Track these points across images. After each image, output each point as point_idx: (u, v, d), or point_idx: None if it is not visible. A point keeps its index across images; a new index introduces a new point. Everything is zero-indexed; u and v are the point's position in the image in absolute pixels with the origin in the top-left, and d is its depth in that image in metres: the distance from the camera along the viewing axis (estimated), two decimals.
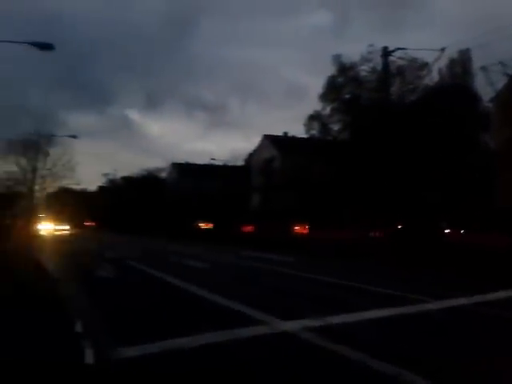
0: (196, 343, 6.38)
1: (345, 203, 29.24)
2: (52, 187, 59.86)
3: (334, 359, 5.76)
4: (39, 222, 62.78)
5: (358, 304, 9.61)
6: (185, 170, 72.40)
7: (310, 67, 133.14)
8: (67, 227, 74.93)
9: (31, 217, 54.85)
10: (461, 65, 36.24)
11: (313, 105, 42.59)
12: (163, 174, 79.35)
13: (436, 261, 17.76)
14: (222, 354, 6.08)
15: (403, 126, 25.70)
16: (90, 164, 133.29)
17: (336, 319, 7.96)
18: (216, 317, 8.39)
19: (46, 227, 66.48)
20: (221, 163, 62.10)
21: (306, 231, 32.03)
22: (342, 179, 30.49)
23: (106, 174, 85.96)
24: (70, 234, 59.76)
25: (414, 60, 28.95)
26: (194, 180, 60.70)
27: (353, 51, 39.48)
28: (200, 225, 53.87)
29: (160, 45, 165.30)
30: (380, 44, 27.20)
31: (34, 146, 53.99)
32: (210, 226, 51.10)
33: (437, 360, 5.76)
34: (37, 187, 55.45)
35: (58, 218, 74.37)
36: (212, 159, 60.04)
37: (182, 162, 77.47)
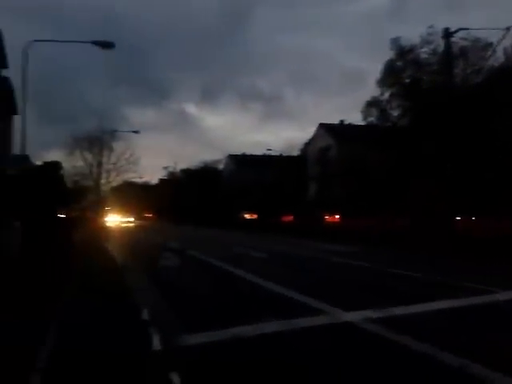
0: (258, 332, 6.45)
1: (405, 192, 28.36)
2: (116, 181, 62.46)
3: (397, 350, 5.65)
4: (106, 215, 65.77)
5: (422, 295, 9.36)
6: (241, 162, 73.12)
7: (368, 52, 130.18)
8: (132, 219, 77.83)
9: (98, 210, 57.58)
10: None
11: (370, 91, 41.57)
12: (220, 166, 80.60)
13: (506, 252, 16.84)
14: (283, 343, 6.11)
15: (468, 109, 24.48)
16: (151, 158, 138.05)
17: (401, 310, 7.79)
18: (276, 306, 8.44)
19: (113, 219, 69.59)
20: (277, 154, 62.15)
21: (362, 221, 31.46)
22: (402, 167, 29.56)
23: (166, 167, 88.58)
24: (134, 226, 62.14)
25: (477, 40, 27.50)
26: (250, 171, 61.20)
27: (412, 33, 37.92)
28: (251, 215, 54.39)
29: (216, 38, 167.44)
30: (440, 25, 26.05)
31: (99, 141, 56.52)
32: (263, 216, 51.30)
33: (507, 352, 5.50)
34: (102, 181, 58.06)
35: (123, 210, 77.53)
36: (268, 150, 60.16)
37: (239, 153, 78.29)
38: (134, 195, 78.26)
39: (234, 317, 7.46)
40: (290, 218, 44.82)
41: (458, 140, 23.17)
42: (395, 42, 31.02)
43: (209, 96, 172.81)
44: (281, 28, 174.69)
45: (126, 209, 78.08)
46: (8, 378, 4.56)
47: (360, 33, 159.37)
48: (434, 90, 28.71)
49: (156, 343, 5.87)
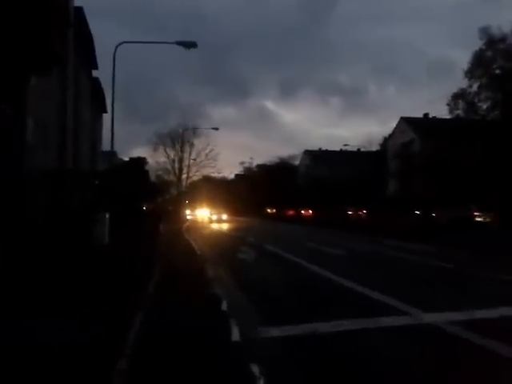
0: (336, 329, 6.39)
1: (495, 187, 26.61)
2: (196, 176, 64.55)
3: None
4: (186, 208, 68.22)
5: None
6: (317, 157, 72.59)
7: (455, 41, 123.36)
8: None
9: (180, 203, 59.93)
10: None
11: (457, 83, 39.35)
12: (296, 162, 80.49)
13: None
14: (361, 341, 6.00)
15: None
16: (229, 154, 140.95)
17: (482, 313, 7.36)
18: (355, 304, 8.30)
19: (195, 213, 72.15)
20: (354, 149, 60.92)
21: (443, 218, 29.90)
22: (492, 162, 27.77)
23: (242, 163, 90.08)
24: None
25: None
26: (327, 167, 60.57)
27: (503, 21, 35.22)
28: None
29: (296, 32, 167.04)
30: None
31: (180, 138, 58.73)
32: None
33: None
34: (183, 176, 60.33)
35: (202, 204, 79.93)
36: (345, 145, 59.18)
37: (315, 149, 77.72)
38: (212, 190, 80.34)
39: (313, 312, 7.45)
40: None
41: None
42: (484, 30, 29.34)
43: (287, 92, 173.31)
44: (363, 19, 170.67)
45: (213, 204, 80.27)
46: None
47: (447, 21, 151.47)
48: None
49: (235, 335, 6.00)
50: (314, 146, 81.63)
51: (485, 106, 30.97)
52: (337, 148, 68.90)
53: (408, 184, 42.82)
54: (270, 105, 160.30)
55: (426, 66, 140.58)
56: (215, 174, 69.54)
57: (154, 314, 7.09)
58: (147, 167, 40.94)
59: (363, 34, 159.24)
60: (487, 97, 30.97)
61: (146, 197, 34.52)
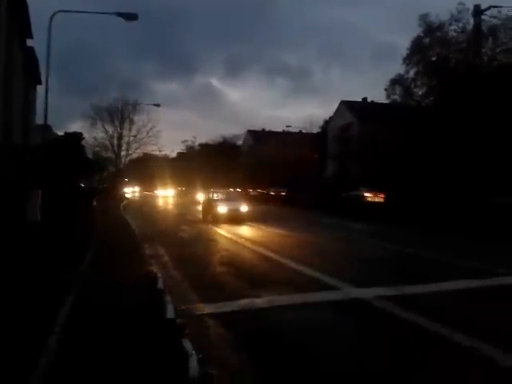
0: (270, 304, 6.52)
1: (427, 173, 27.89)
2: (136, 153, 62.83)
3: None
4: (125, 186, 66.50)
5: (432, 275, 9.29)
6: (260, 137, 72.78)
7: (400, 27, 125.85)
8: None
9: (118, 181, 58.26)
10: None
11: (397, 68, 40.55)
12: (239, 141, 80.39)
13: None
14: (292, 315, 6.16)
15: (495, 90, 23.77)
16: (172, 131, 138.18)
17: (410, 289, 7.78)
18: (290, 281, 8.47)
19: (131, 191, 70.52)
20: (297, 130, 61.64)
21: (379, 200, 31.11)
22: (425, 147, 29.00)
23: (184, 141, 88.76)
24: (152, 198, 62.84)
25: (508, 19, 26.53)
26: (269, 147, 60.86)
27: (446, 7, 36.65)
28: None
29: (243, 11, 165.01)
30: (472, 1, 25.19)
31: (120, 113, 56.75)
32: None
33: None
34: (122, 153, 58.52)
35: (142, 182, 78.45)
36: (287, 126, 59.73)
37: (258, 129, 77.88)
38: (152, 168, 78.79)
39: (250, 290, 7.55)
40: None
41: (485, 122, 22.60)
42: (423, 18, 30.13)
43: (234, 70, 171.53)
44: (311, 1, 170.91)
45: (144, 181, 78.59)
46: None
47: (394, 6, 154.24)
48: (460, 69, 27.94)
49: (170, 312, 5.95)
50: (258, 126, 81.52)
51: (420, 92, 32.14)
52: (280, 129, 69.49)
53: (345, 166, 44.06)
54: (215, 83, 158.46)
55: (371, 50, 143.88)
56: (156, 152, 67.97)
57: (86, 293, 6.89)
58: (84, 143, 39.34)
59: (311, 16, 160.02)
60: (423, 83, 32.08)
61: (82, 174, 33.21)
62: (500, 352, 4.77)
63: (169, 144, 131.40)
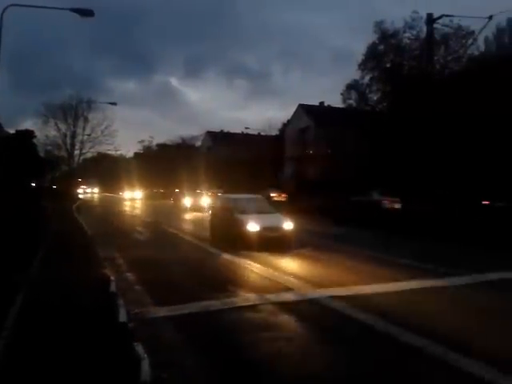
0: (225, 306, 6.49)
1: (381, 176, 28.64)
2: (90, 152, 61.18)
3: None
4: (78, 186, 64.65)
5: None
6: (219, 139, 72.63)
7: (358, 33, 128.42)
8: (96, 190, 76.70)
9: (71, 181, 56.53)
10: (509, 34, 34.43)
11: (352, 73, 41.45)
12: (198, 142, 79.87)
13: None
14: (248, 316, 6.13)
15: (446, 96, 24.71)
16: (129, 131, 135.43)
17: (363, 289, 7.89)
18: (247, 282, 8.46)
19: (90, 191, 68.71)
20: (255, 132, 61.86)
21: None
22: (379, 151, 29.80)
23: (141, 141, 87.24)
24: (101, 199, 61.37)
25: (459, 28, 27.61)
26: (228, 148, 60.80)
27: (400, 15, 37.76)
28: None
29: (203, 11, 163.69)
30: (427, 9, 26.10)
31: (74, 111, 55.11)
32: None
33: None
34: (75, 152, 56.83)
35: (92, 182, 76.59)
36: (246, 128, 59.81)
37: (217, 130, 77.66)
38: (108, 168, 77.09)
39: (205, 292, 7.45)
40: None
41: (435, 128, 23.40)
42: (379, 25, 30.97)
43: (193, 70, 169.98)
44: (273, 3, 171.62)
45: (98, 181, 76.58)
46: None
47: (352, 12, 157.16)
48: (413, 75, 28.85)
49: (122, 315, 5.80)
50: (217, 127, 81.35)
51: (375, 98, 33.00)
52: (239, 131, 69.55)
53: (302, 169, 44.58)
54: (174, 82, 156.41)
55: (330, 54, 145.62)
56: (112, 152, 66.40)
57: (37, 295, 6.62)
58: (35, 141, 37.99)
59: (271, 18, 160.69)
60: (378, 89, 32.94)
61: (33, 173, 32.03)
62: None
63: (125, 144, 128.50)
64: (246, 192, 21.70)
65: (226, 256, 11.67)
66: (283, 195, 34.33)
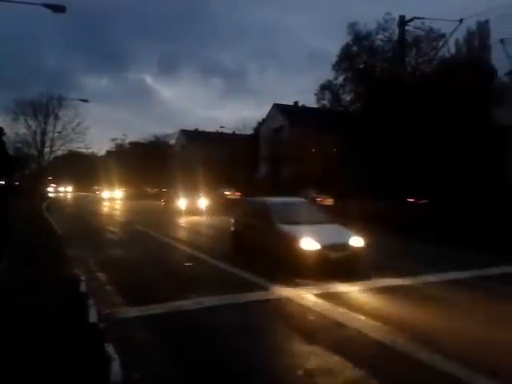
0: (198, 306, 6.45)
1: (354, 175, 29.00)
2: (61, 150, 59.97)
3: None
4: (48, 185, 63.28)
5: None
6: (193, 137, 72.22)
7: (332, 33, 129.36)
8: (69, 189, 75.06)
9: (41, 179, 55.32)
10: (478, 37, 35.37)
11: (326, 73, 41.85)
12: (172, 141, 79.24)
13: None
14: (221, 315, 6.12)
15: (417, 98, 25.18)
16: (102, 128, 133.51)
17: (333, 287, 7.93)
18: (219, 282, 8.43)
19: (56, 189, 67.20)
20: (230, 131, 61.82)
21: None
22: (352, 151, 30.16)
23: (114, 139, 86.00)
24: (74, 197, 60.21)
25: (430, 31, 28.16)
26: (202, 147, 60.52)
27: (373, 17, 38.27)
28: None
29: (180, 9, 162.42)
30: (400, 11, 26.56)
31: (45, 108, 53.93)
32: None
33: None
34: (46, 150, 55.63)
35: (65, 180, 75.00)
36: (221, 127, 59.77)
37: (191, 128, 77.26)
38: (79, 166, 75.69)
39: (178, 292, 7.40)
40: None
41: (406, 129, 23.83)
42: (352, 26, 31.33)
43: (168, 68, 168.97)
44: (247, 3, 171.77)
45: (68, 179, 74.84)
46: None
47: (327, 12, 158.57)
48: (386, 77, 29.31)
49: (92, 316, 5.71)
50: (192, 125, 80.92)
51: (348, 98, 33.38)
52: (213, 129, 69.36)
53: (277, 168, 44.75)
54: (148, 80, 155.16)
55: (305, 54, 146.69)
56: (83, 150, 65.19)
57: (1, 298, 6.45)
58: (5, 139, 36.92)
59: (246, 18, 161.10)
60: (351, 90, 33.31)
61: (1, 171, 31.11)
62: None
63: (97, 142, 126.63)
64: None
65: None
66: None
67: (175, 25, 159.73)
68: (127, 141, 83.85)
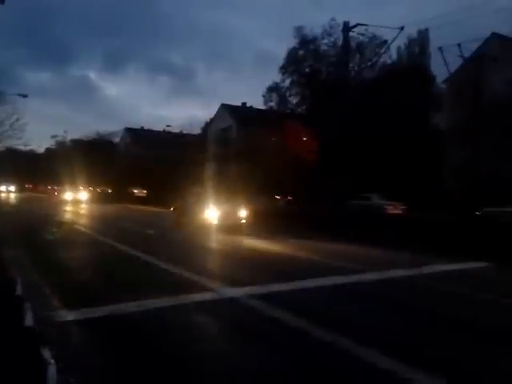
0: (142, 308, 6.37)
1: (301, 178, 29.55)
2: None
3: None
4: None
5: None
6: (138, 136, 70.84)
7: (280, 36, 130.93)
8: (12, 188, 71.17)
9: None
10: (419, 44, 37.09)
11: (274, 76, 42.38)
12: (116, 139, 77.32)
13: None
14: (166, 318, 6.09)
15: (360, 102, 26.05)
16: (42, 125, 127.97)
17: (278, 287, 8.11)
18: (164, 283, 8.37)
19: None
20: (177, 130, 61.17)
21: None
22: (299, 154, 30.68)
23: (54, 136, 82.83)
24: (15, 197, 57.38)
25: (373, 37, 29.20)
26: (148, 146, 59.53)
27: (320, 22, 39.14)
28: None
29: (126, 3, 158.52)
30: (345, 17, 27.33)
31: None
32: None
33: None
34: None
35: (6, 179, 71.07)
36: (168, 126, 58.99)
37: (137, 127, 75.75)
38: (17, 164, 72.20)
39: (120, 294, 7.27)
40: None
41: (349, 132, 24.57)
42: (298, 30, 32.00)
43: (113, 65, 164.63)
44: (197, 3, 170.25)
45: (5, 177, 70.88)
46: None
47: (276, 15, 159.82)
48: (330, 81, 30.10)
49: (29, 320, 5.51)
50: (137, 123, 79.09)
51: (295, 101, 34.09)
52: (160, 128, 68.27)
53: (225, 168, 44.80)
54: (92, 76, 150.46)
55: (254, 55, 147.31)
56: (21, 147, 62.25)
57: None
58: None
59: (198, 18, 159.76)
60: (297, 92, 34.03)
61: None
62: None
63: (37, 139, 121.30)
64: None
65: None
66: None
67: (122, 20, 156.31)
68: (68, 138, 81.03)
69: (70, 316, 5.83)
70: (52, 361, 4.12)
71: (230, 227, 16.86)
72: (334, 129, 26.10)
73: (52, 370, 3.98)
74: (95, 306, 6.31)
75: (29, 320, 5.47)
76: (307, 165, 29.28)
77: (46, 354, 4.28)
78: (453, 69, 29.51)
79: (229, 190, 24.51)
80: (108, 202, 44.25)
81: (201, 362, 4.68)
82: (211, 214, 17.33)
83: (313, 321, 5.92)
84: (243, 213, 17.64)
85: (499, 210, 20.75)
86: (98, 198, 47.75)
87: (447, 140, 29.51)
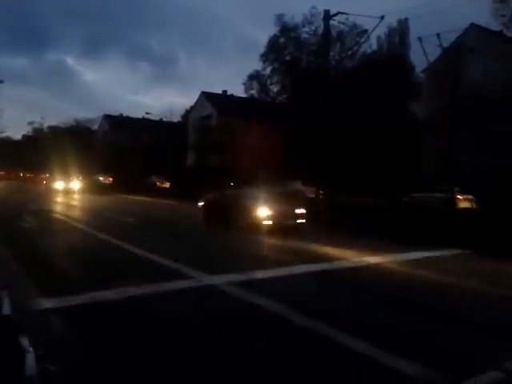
0: (120, 295, 6.34)
1: (279, 165, 29.54)
2: None
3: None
4: None
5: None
6: (117, 123, 69.88)
7: (262, 24, 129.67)
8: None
9: None
10: (399, 34, 37.30)
11: (255, 64, 42.10)
12: (95, 126, 76.18)
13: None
14: (146, 306, 6.08)
15: (340, 91, 26.11)
16: (18, 111, 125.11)
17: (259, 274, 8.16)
18: (143, 270, 8.34)
19: None
20: (157, 118, 60.49)
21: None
22: (279, 141, 30.67)
23: (31, 123, 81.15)
24: None
25: (354, 26, 29.22)
26: (127, 133, 58.77)
27: (301, 10, 38.88)
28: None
29: None
30: (326, 5, 27.27)
31: None
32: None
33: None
34: None
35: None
36: (147, 113, 58.18)
37: (116, 114, 74.73)
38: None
39: (98, 281, 7.22)
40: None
41: (329, 121, 24.64)
42: (279, 18, 31.81)
43: (92, 50, 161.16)
44: None
45: None
46: None
47: (260, 2, 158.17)
48: (311, 69, 30.10)
49: (6, 308, 5.44)
50: (116, 110, 77.86)
51: (276, 89, 34.00)
52: (139, 115, 67.38)
53: (205, 156, 44.57)
54: (70, 61, 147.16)
55: (235, 43, 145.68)
56: None
57: None
58: None
59: (178, 3, 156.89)
60: (278, 81, 33.95)
61: None
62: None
63: (13, 125, 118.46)
64: None
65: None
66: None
67: (101, 4, 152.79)
68: (46, 125, 79.52)
69: (48, 304, 5.77)
70: (30, 349, 4.08)
71: (286, 228, 13.63)
72: (314, 118, 26.18)
73: (30, 357, 3.94)
74: (73, 294, 6.26)
75: (6, 308, 5.39)
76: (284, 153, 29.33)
77: (25, 342, 4.23)
78: (432, 59, 29.79)
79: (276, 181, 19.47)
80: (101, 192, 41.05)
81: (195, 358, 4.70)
82: (262, 211, 13.80)
83: None
84: (302, 210, 14.27)
85: (424, 195, 21.24)
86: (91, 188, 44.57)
87: (425, 130, 29.86)
